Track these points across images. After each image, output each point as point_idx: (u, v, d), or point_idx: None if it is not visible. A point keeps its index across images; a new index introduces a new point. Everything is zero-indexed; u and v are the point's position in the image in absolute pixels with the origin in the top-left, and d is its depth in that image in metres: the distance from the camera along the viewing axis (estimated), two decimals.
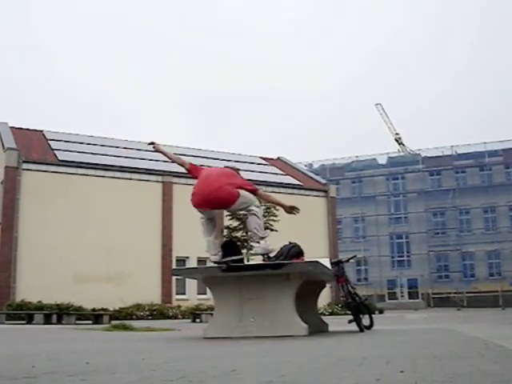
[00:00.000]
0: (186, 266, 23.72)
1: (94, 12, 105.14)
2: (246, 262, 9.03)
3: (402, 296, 49.29)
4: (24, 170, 24.51)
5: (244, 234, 21.50)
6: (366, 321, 8.43)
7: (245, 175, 30.24)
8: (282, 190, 30.62)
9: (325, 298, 26.48)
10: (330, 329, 8.39)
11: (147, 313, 22.84)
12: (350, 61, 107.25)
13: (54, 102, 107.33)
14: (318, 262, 6.81)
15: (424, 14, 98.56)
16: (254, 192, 7.29)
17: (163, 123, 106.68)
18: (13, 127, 28.40)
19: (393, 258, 49.83)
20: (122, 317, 20.37)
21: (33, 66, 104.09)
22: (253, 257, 20.04)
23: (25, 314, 18.63)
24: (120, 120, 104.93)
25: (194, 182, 7.27)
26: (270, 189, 27.46)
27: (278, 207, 21.96)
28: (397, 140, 57.34)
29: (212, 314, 8.98)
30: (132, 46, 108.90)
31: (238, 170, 7.71)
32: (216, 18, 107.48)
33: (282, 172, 34.44)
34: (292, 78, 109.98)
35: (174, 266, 25.49)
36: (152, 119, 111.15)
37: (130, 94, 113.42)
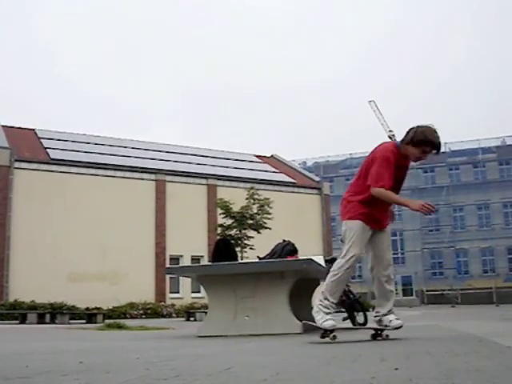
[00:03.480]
0: (180, 265, 23.70)
1: (91, 9, 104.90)
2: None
3: (396, 293, 49.37)
4: (16, 168, 24.42)
5: (238, 232, 21.50)
6: (360, 318, 8.44)
7: (238, 173, 30.20)
8: (276, 187, 30.64)
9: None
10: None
11: (141, 312, 22.80)
12: (343, 58, 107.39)
13: (47, 100, 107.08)
14: (311, 259, 6.81)
15: (419, 11, 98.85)
16: None
17: (157, 120, 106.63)
18: (4, 126, 28.30)
19: None
20: (116, 316, 20.33)
21: (27, 64, 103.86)
22: (246, 255, 20.07)
23: (18, 313, 18.55)
24: (116, 119, 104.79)
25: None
26: (263, 187, 27.48)
27: (271, 204, 22.03)
28: (390, 137, 57.34)
29: (206, 313, 8.96)
30: (132, 43, 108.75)
31: None
32: (210, 13, 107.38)
33: (275, 170, 34.43)
34: (286, 75, 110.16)
35: (167, 265, 25.46)
36: (145, 116, 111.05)
37: (124, 91, 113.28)
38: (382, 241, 5.18)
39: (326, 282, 4.99)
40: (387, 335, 5.08)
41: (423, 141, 4.85)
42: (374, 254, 5.18)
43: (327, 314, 4.80)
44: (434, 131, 4.89)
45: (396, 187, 5.01)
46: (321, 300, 4.91)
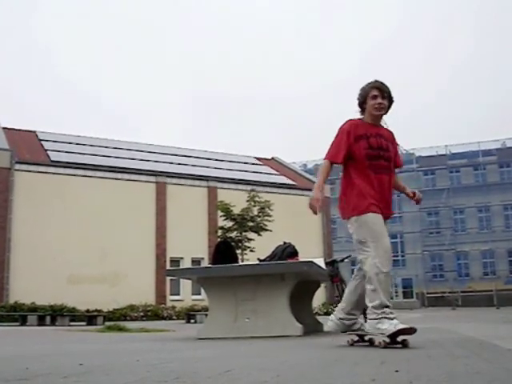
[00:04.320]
0: (180, 267, 23.70)
1: (91, 10, 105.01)
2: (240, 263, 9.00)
3: (396, 296, 49.32)
4: (16, 170, 24.43)
5: (238, 234, 21.49)
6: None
7: (238, 175, 30.12)
8: (276, 190, 30.63)
9: (319, 297, 26.51)
10: (325, 329, 8.36)
11: (141, 314, 22.81)
12: (344, 60, 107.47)
13: (47, 100, 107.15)
14: (312, 261, 6.81)
15: (419, 12, 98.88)
16: None
17: (157, 123, 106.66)
18: (5, 128, 28.32)
19: None
20: (116, 318, 20.34)
21: (27, 65, 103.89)
22: (247, 257, 20.06)
23: (18, 315, 18.54)
24: (116, 120, 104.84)
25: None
26: (263, 189, 27.48)
27: (272, 207, 22.05)
28: None
29: (206, 315, 8.97)
30: (129, 44, 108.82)
31: None
32: (210, 14, 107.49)
33: (276, 172, 34.44)
34: (287, 78, 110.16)
35: (168, 267, 25.47)
36: (147, 119, 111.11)
37: (126, 93, 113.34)
38: None
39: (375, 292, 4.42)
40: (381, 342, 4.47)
41: (364, 91, 4.78)
42: None
43: (393, 318, 4.32)
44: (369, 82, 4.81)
45: (374, 155, 4.68)
46: (377, 312, 4.36)
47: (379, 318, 4.35)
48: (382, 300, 4.38)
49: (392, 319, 4.33)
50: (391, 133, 5.01)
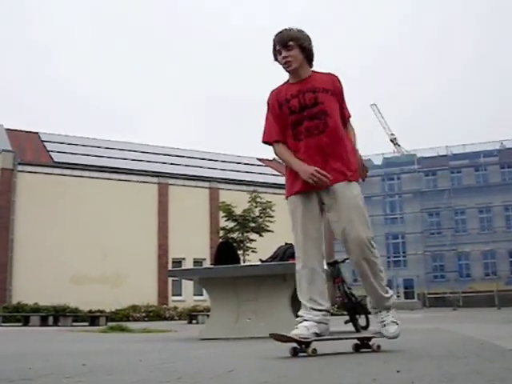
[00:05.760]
0: (182, 267, 23.72)
1: (95, 10, 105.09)
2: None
3: (397, 296, 49.13)
4: (19, 171, 24.50)
5: (240, 234, 21.51)
6: (362, 321, 8.43)
7: (240, 176, 30.17)
8: (278, 191, 30.60)
9: None
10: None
11: (143, 314, 22.82)
12: (345, 60, 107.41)
13: (52, 103, 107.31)
14: None
15: (422, 14, 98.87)
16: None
17: (159, 124, 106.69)
18: (8, 129, 28.39)
19: (388, 258, 49.66)
20: (119, 318, 20.35)
21: (29, 66, 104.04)
22: (248, 258, 20.08)
23: (21, 316, 18.58)
24: (116, 120, 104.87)
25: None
26: (265, 190, 27.48)
27: (274, 208, 22.02)
28: (392, 140, 57.37)
29: (208, 315, 8.98)
30: (133, 45, 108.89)
31: None
32: (216, 18, 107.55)
33: (278, 173, 34.41)
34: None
35: (169, 267, 25.50)
36: (148, 120, 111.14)
37: (126, 94, 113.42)
38: (333, 207, 3.99)
39: None
40: (378, 346, 3.88)
41: (272, 51, 4.03)
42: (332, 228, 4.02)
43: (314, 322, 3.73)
44: None
45: (297, 119, 3.89)
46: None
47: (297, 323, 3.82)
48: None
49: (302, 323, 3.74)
50: (328, 76, 4.16)
